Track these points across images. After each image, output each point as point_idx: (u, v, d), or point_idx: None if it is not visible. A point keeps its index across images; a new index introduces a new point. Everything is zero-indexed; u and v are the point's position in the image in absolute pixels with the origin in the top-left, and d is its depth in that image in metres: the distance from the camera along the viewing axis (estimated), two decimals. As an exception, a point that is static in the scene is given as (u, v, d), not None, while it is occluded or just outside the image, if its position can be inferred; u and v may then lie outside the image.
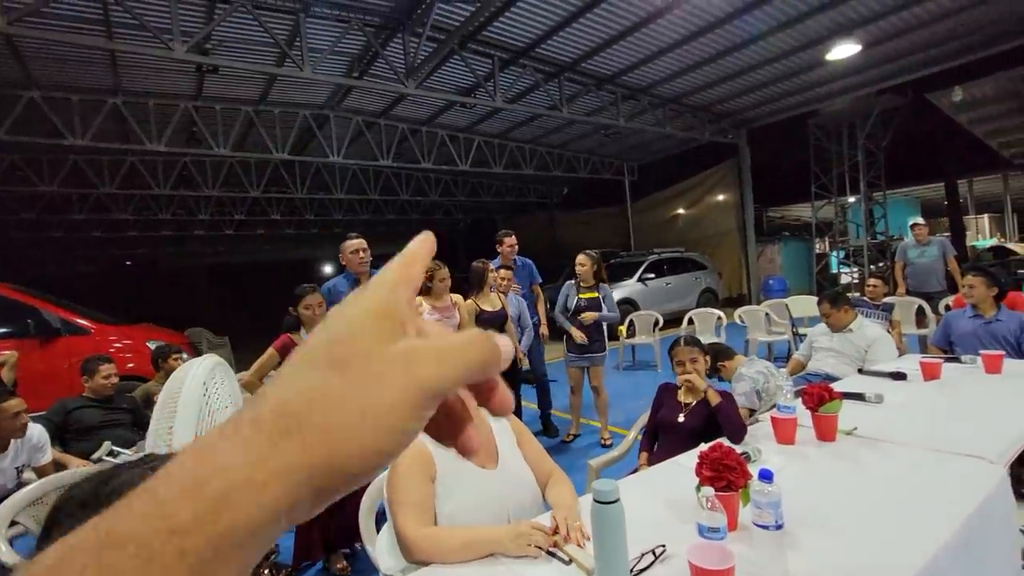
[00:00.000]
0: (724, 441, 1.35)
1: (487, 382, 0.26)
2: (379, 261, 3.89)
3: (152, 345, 4.76)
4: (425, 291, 3.38)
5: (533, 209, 17.10)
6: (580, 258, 3.85)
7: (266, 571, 2.34)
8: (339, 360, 0.22)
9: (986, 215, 17.80)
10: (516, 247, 4.35)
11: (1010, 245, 13.04)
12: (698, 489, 1.24)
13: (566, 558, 1.13)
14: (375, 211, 16.02)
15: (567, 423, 4.27)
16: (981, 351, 2.55)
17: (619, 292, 9.26)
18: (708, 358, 2.10)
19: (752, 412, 2.35)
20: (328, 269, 19.41)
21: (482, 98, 7.50)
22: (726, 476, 1.16)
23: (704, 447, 1.43)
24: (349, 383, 0.21)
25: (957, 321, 3.16)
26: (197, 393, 0.99)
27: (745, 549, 1.11)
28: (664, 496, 1.44)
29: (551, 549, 1.16)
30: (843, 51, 7.10)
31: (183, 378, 1.18)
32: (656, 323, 6.79)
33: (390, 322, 0.23)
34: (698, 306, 9.22)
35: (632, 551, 1.15)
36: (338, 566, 2.37)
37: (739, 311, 6.48)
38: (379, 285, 0.24)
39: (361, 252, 3.09)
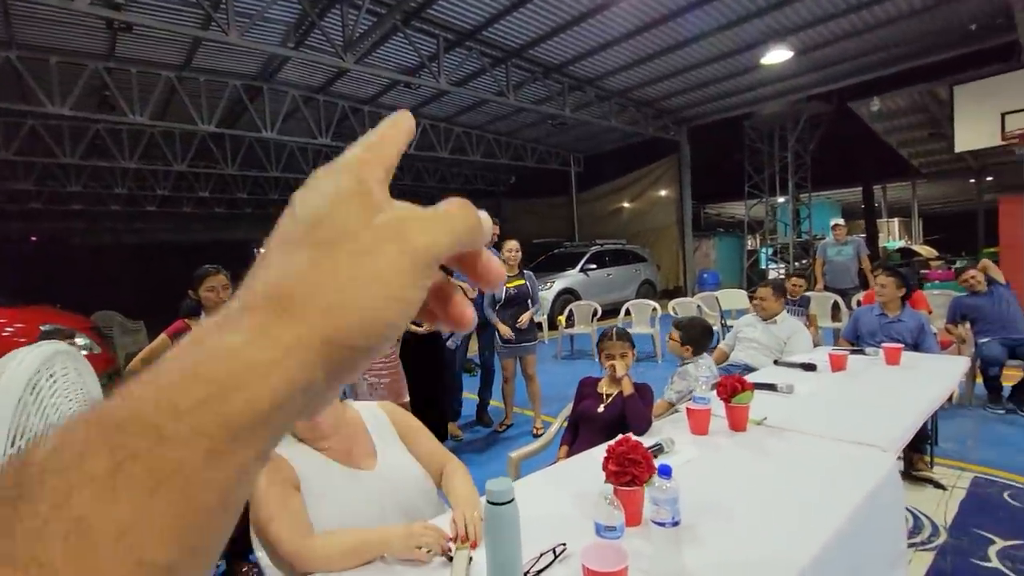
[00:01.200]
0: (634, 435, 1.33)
1: (473, 252, 0.25)
2: None
3: (46, 330, 4.31)
4: None
5: (480, 197, 16.93)
6: (512, 243, 3.78)
7: None
8: (324, 241, 0.20)
9: (896, 219, 19.39)
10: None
11: (915, 247, 14.27)
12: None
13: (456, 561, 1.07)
14: (314, 192, 15.30)
15: (501, 413, 4.24)
16: (883, 344, 2.72)
17: (561, 282, 9.35)
18: (633, 351, 2.09)
19: (671, 405, 2.39)
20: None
21: (426, 79, 7.27)
22: (631, 471, 1.14)
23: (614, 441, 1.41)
24: (341, 259, 0.20)
25: (864, 317, 3.37)
26: (9, 398, 0.79)
27: (643, 545, 1.10)
28: (574, 490, 1.41)
29: (448, 551, 1.09)
30: (776, 56, 7.42)
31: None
32: (595, 313, 6.89)
33: (367, 199, 0.22)
34: (637, 297, 9.46)
35: (533, 549, 1.10)
36: (243, 569, 2.21)
37: (672, 303, 6.69)
38: (346, 166, 0.23)
39: None
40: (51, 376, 0.93)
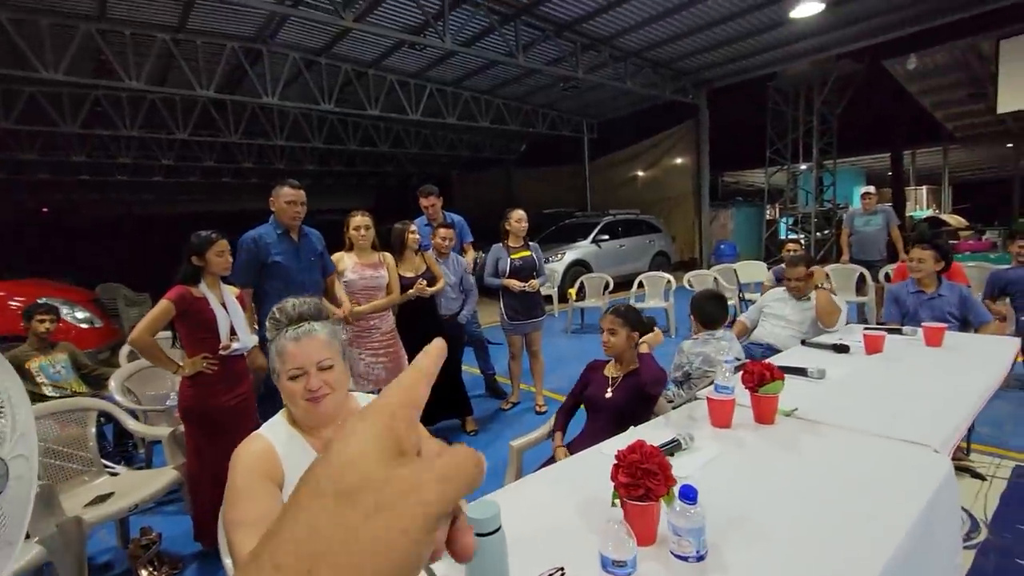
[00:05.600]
0: (648, 438, 1.13)
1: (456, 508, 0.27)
2: (331, 215, 3.42)
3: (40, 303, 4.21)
4: (349, 247, 3.05)
5: (489, 165, 16.52)
6: (518, 213, 3.55)
7: (149, 568, 2.05)
8: (347, 491, 0.23)
9: (924, 187, 18.58)
10: (438, 205, 3.94)
11: (944, 216, 13.67)
12: (614, 496, 1.02)
13: None
14: (321, 161, 15.02)
15: (507, 390, 4.10)
16: (923, 323, 2.47)
17: (572, 253, 9.09)
18: (632, 331, 1.89)
19: (669, 401, 2.19)
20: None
21: (432, 39, 6.88)
22: (645, 483, 0.95)
23: (628, 438, 1.22)
24: (361, 515, 0.22)
25: (901, 295, 3.10)
26: None
27: (659, 573, 0.91)
28: (579, 497, 1.23)
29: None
30: (807, 9, 6.89)
31: None
32: (606, 286, 6.67)
33: (391, 447, 0.24)
34: (651, 269, 9.20)
35: (526, 574, 0.93)
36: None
37: (688, 275, 6.43)
38: (378, 411, 0.26)
39: (298, 205, 2.71)
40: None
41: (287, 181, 2.72)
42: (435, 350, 0.29)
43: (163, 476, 2.07)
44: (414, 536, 0.22)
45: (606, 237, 9.69)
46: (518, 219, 3.54)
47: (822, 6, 6.85)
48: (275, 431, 1.14)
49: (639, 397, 1.73)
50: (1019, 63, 6.63)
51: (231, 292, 2.24)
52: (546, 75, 8.89)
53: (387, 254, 3.13)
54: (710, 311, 2.49)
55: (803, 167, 11.54)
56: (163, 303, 2.03)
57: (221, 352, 2.08)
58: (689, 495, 0.82)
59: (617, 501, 1.02)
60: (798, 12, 6.99)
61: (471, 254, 4.25)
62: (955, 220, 12.89)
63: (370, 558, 0.21)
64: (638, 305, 6.16)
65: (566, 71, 8.25)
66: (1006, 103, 6.94)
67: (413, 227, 3.26)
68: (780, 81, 10.75)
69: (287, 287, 2.53)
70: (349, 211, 3.07)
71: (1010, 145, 12.83)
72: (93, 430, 2.17)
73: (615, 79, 8.85)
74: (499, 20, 7.10)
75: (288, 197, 2.65)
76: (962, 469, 2.56)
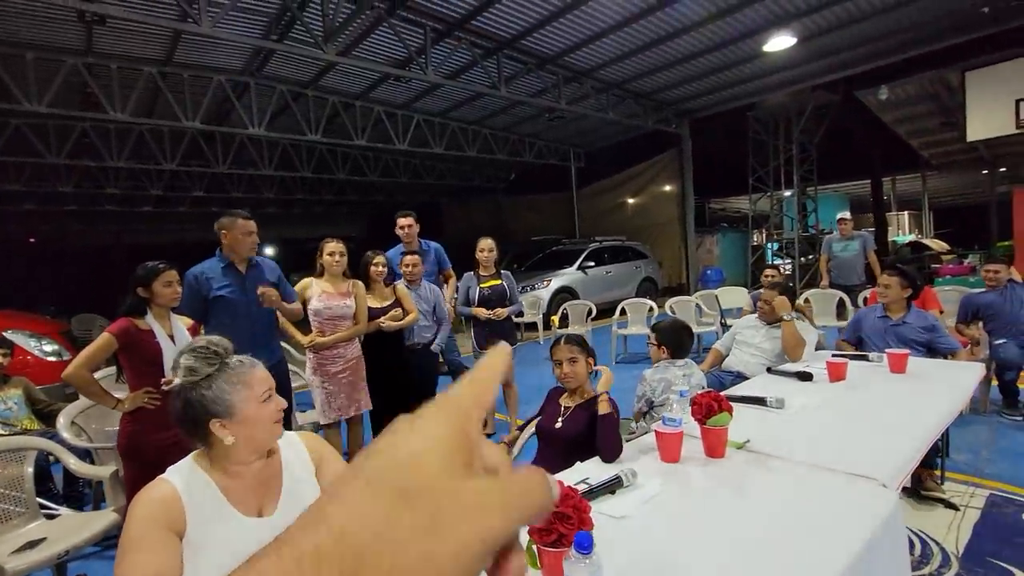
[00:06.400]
0: (593, 474, 1.09)
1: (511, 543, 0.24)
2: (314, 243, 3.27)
3: (10, 336, 4.14)
4: (321, 272, 3.02)
5: (478, 193, 16.69)
6: (486, 242, 3.55)
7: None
8: (407, 490, 0.21)
9: (906, 212, 18.93)
10: (414, 228, 3.97)
11: (926, 241, 13.87)
12: (530, 544, 0.97)
13: None
14: (310, 190, 15.12)
15: (483, 420, 4.04)
16: (887, 350, 2.46)
17: (558, 280, 9.10)
18: (588, 357, 1.85)
19: (630, 433, 2.14)
20: (269, 251, 18.24)
21: (415, 72, 7.03)
22: (557, 528, 0.90)
23: (572, 474, 1.18)
24: (416, 522, 0.20)
25: (867, 318, 3.10)
26: None
27: (570, 628, 0.86)
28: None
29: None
30: (779, 43, 7.12)
31: None
32: (589, 312, 6.65)
33: (461, 455, 0.22)
34: (637, 295, 9.20)
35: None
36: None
37: (670, 301, 6.43)
38: (452, 409, 0.24)
39: (255, 235, 2.68)
40: None
41: (237, 212, 2.65)
42: (503, 349, 0.27)
43: (101, 519, 1.98)
44: (464, 563, 0.20)
45: (592, 264, 9.73)
46: (484, 248, 3.55)
47: (794, 40, 7.08)
48: (179, 471, 1.09)
49: (590, 429, 1.69)
50: (985, 94, 6.85)
51: (182, 323, 2.19)
52: (531, 106, 9.06)
53: (358, 282, 3.11)
54: (685, 343, 2.44)
55: (786, 193, 11.73)
56: (103, 336, 1.98)
57: (164, 387, 2.02)
58: (584, 544, 0.78)
59: (535, 548, 0.97)
60: (771, 46, 7.22)
61: (453, 282, 4.24)
62: (937, 244, 13.08)
63: (414, 572, 0.19)
64: (620, 331, 6.16)
65: (550, 102, 8.42)
66: (976, 131, 7.13)
67: (379, 259, 3.24)
68: (759, 111, 11.02)
69: (234, 321, 2.46)
70: (337, 240, 3.06)
71: (985, 172, 13.13)
72: (30, 470, 2.07)
73: (598, 110, 9.04)
74: (481, 54, 7.27)
75: (246, 229, 2.61)
76: (935, 499, 2.51)
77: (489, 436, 3.86)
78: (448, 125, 10.46)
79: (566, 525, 0.91)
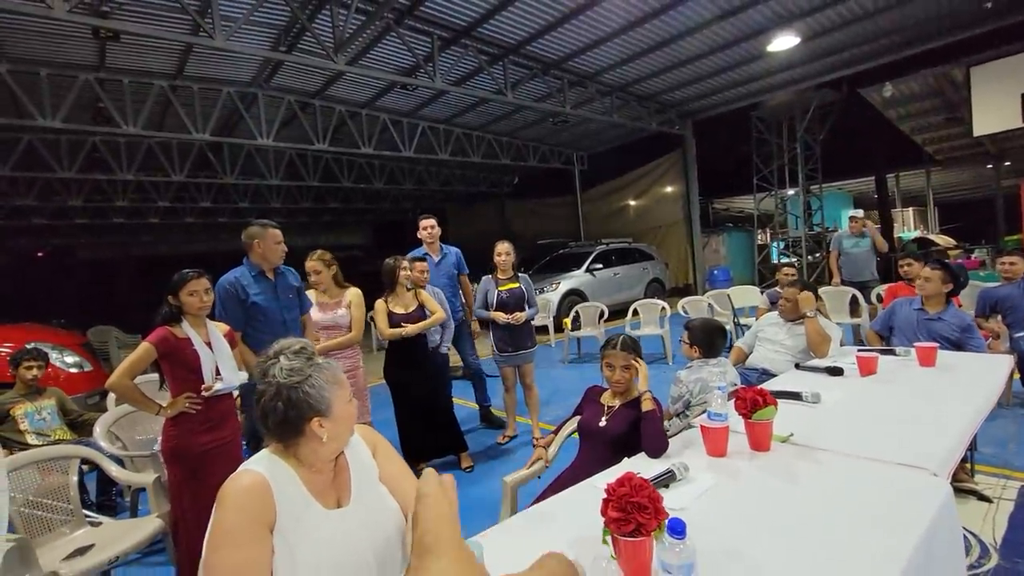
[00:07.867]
0: (642, 469, 1.11)
1: None
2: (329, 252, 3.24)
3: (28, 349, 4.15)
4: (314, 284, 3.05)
5: (483, 198, 16.74)
6: (503, 246, 3.57)
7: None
8: (425, 549, 0.31)
9: (911, 208, 18.91)
10: (436, 230, 4.01)
11: (932, 236, 13.85)
12: (605, 533, 0.99)
13: None
14: (317, 199, 15.19)
15: (503, 423, 4.04)
16: (915, 344, 2.47)
17: (567, 283, 9.13)
18: (641, 363, 1.86)
19: (673, 415, 2.16)
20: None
21: (423, 80, 7.09)
22: (635, 518, 0.93)
23: (621, 469, 1.20)
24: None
25: (902, 310, 3.09)
26: None
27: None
28: (571, 533, 1.19)
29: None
30: (783, 43, 7.16)
31: None
32: (601, 315, 6.66)
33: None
34: (646, 296, 9.22)
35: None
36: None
37: (682, 302, 6.44)
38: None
39: (284, 244, 2.72)
40: None
41: (267, 222, 2.68)
42: (444, 482, 0.34)
43: (146, 526, 2.00)
44: None
45: (600, 266, 9.76)
46: (502, 252, 3.57)
47: (797, 40, 7.13)
48: (259, 463, 1.08)
49: (633, 427, 1.71)
50: (990, 89, 6.87)
51: (219, 329, 2.22)
52: (536, 111, 9.13)
53: (355, 291, 3.10)
54: (717, 343, 2.43)
55: (791, 192, 11.74)
56: (143, 346, 2.01)
57: (204, 393, 2.05)
58: (677, 529, 0.80)
59: (608, 538, 0.99)
60: (775, 46, 7.26)
61: (468, 286, 4.27)
62: (943, 240, 13.07)
63: None
64: (634, 333, 6.17)
65: (554, 107, 8.48)
66: (981, 127, 7.14)
67: (405, 263, 3.27)
68: (763, 111, 11.06)
69: (269, 327, 2.50)
70: (344, 248, 3.10)
71: (990, 166, 13.13)
72: (75, 479, 2.11)
73: (602, 113, 9.09)
74: (488, 60, 7.33)
75: (277, 237, 2.64)
76: (967, 491, 2.51)
77: (511, 438, 3.89)
78: (453, 131, 10.53)
79: (643, 515, 0.93)
